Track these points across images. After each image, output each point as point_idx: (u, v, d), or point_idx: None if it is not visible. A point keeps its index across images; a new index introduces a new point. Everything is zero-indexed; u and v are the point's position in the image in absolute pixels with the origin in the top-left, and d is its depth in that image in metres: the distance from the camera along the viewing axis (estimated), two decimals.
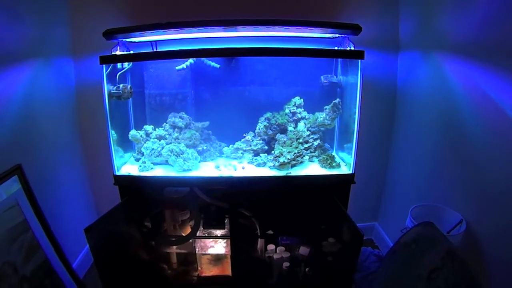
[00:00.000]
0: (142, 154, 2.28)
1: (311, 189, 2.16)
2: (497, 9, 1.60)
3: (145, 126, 2.35)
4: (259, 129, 2.35)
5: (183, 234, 2.25)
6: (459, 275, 1.41)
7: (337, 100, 2.25)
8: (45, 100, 2.16)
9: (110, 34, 1.93)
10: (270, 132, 2.33)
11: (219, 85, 2.41)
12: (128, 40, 2.15)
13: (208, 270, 2.36)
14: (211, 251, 2.32)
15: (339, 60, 2.36)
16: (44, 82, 2.15)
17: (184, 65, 2.27)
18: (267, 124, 2.33)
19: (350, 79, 2.19)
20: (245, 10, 2.28)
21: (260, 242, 2.27)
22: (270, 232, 2.27)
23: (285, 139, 2.26)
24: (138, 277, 2.21)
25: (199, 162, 2.25)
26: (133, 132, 2.29)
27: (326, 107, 2.29)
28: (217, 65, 2.30)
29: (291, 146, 2.21)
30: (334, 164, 2.19)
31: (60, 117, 2.33)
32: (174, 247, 2.29)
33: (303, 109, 2.39)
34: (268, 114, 2.35)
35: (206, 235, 2.29)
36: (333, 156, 2.26)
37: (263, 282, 2.30)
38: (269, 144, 2.36)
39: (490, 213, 1.73)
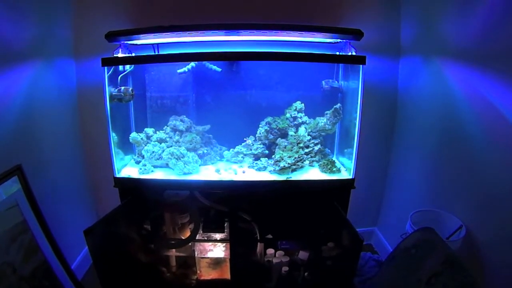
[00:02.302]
0: (143, 157, 2.28)
1: (311, 194, 2.16)
2: (498, 16, 1.61)
3: (146, 129, 2.35)
4: (259, 133, 2.35)
5: (183, 237, 2.24)
6: (458, 280, 1.41)
7: (338, 105, 2.26)
8: (46, 101, 2.16)
9: (112, 36, 1.94)
10: (271, 136, 2.33)
11: (221, 89, 2.42)
12: (130, 42, 2.16)
13: (207, 274, 2.35)
14: (210, 254, 2.31)
15: (340, 65, 2.36)
16: (46, 82, 2.16)
17: (185, 68, 2.27)
18: (268, 129, 2.33)
19: (351, 84, 2.20)
20: (247, 15, 2.29)
21: (260, 246, 2.26)
22: (270, 236, 2.27)
23: (285, 144, 2.26)
24: (137, 280, 2.20)
25: (200, 165, 2.25)
26: (134, 134, 2.30)
27: (327, 112, 2.30)
28: (219, 69, 2.30)
29: (291, 150, 2.21)
30: (334, 169, 2.19)
31: (61, 118, 2.33)
32: (173, 250, 2.28)
33: (304, 114, 2.40)
34: (269, 119, 2.36)
35: (206, 238, 2.29)
36: (334, 161, 2.26)
37: (262, 286, 2.29)
38: (270, 149, 2.36)
39: (490, 219, 1.73)
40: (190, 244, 2.24)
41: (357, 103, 2.01)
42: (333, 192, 2.20)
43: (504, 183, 1.62)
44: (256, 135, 2.37)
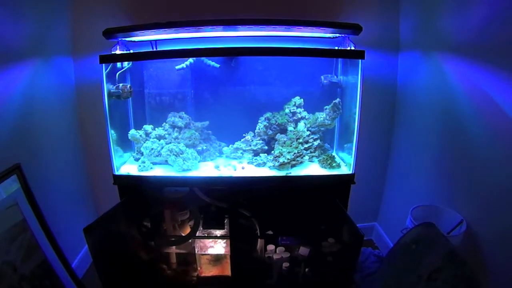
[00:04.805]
0: (142, 154, 2.28)
1: (311, 189, 2.16)
2: (498, 10, 1.60)
3: (144, 126, 2.35)
4: (259, 129, 2.34)
5: (183, 234, 2.24)
6: (459, 276, 1.41)
7: (337, 100, 2.25)
8: (44, 99, 2.15)
9: (110, 34, 1.93)
10: (270, 132, 2.32)
11: (219, 85, 2.41)
12: (128, 39, 2.14)
13: (207, 270, 2.36)
14: (210, 251, 2.31)
15: (339, 60, 2.35)
16: (44, 81, 2.15)
17: (183, 65, 2.27)
18: (267, 124, 2.33)
19: (350, 79, 2.19)
20: (245, 10, 2.27)
21: (260, 242, 2.27)
22: (270, 232, 2.27)
23: (285, 139, 2.26)
24: (137, 277, 2.20)
25: (199, 162, 2.25)
26: (132, 131, 2.29)
27: (326, 107, 2.29)
28: (217, 65, 2.29)
29: (291, 146, 2.21)
30: (334, 164, 2.19)
31: (59, 116, 2.32)
32: (174, 247, 2.28)
33: (303, 109, 2.39)
34: (268, 114, 2.35)
35: (206, 235, 2.29)
36: (333, 156, 2.26)
37: (263, 283, 2.30)
38: (269, 144, 2.36)
39: (490, 214, 1.73)
40: (190, 241, 2.24)
41: (357, 98, 2.01)
42: (333, 188, 2.20)
43: (504, 178, 1.62)
44: (255, 131, 2.36)
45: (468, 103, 1.84)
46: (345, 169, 2.19)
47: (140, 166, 2.17)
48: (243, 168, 2.21)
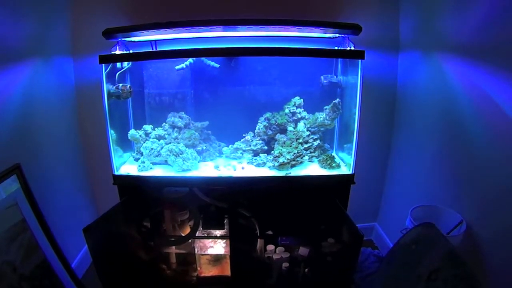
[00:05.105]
0: (141, 154, 2.28)
1: (310, 190, 2.16)
2: (498, 10, 1.59)
3: (144, 126, 2.35)
4: (258, 129, 2.34)
5: (182, 234, 2.24)
6: (458, 276, 1.40)
7: (337, 100, 2.25)
8: (44, 99, 2.15)
9: (109, 34, 1.93)
10: (270, 132, 2.32)
11: (219, 85, 2.41)
12: (127, 39, 2.14)
13: (207, 271, 2.36)
14: (210, 251, 2.31)
15: (339, 60, 2.35)
16: (44, 81, 2.15)
17: (183, 65, 2.27)
18: (267, 124, 2.32)
19: (350, 79, 2.19)
20: (245, 10, 2.27)
21: (260, 243, 2.26)
22: (270, 232, 2.26)
23: (284, 139, 2.26)
24: (137, 277, 2.20)
25: (199, 162, 2.25)
26: (132, 131, 2.29)
27: (326, 107, 2.28)
28: (217, 65, 2.29)
29: (290, 146, 2.21)
30: (334, 164, 2.19)
31: (59, 117, 2.32)
32: (173, 247, 2.28)
33: (303, 109, 2.39)
34: (268, 114, 2.35)
35: (206, 235, 2.29)
36: (333, 156, 2.26)
37: (263, 283, 2.29)
38: (269, 144, 2.35)
39: (490, 214, 1.72)
40: (190, 241, 2.24)
41: (356, 98, 2.01)
42: (333, 188, 2.20)
43: (504, 178, 1.62)
44: (255, 131, 2.36)
45: (468, 103, 1.84)
46: (344, 169, 2.19)
47: (139, 166, 2.17)
48: (243, 168, 2.21)
